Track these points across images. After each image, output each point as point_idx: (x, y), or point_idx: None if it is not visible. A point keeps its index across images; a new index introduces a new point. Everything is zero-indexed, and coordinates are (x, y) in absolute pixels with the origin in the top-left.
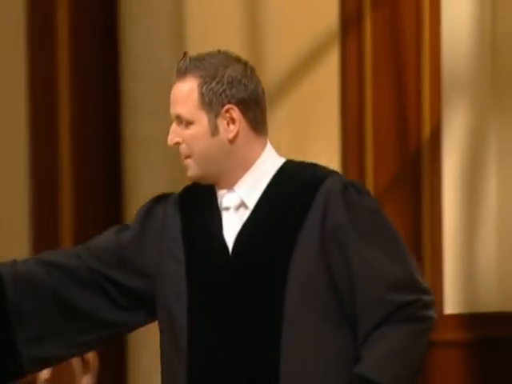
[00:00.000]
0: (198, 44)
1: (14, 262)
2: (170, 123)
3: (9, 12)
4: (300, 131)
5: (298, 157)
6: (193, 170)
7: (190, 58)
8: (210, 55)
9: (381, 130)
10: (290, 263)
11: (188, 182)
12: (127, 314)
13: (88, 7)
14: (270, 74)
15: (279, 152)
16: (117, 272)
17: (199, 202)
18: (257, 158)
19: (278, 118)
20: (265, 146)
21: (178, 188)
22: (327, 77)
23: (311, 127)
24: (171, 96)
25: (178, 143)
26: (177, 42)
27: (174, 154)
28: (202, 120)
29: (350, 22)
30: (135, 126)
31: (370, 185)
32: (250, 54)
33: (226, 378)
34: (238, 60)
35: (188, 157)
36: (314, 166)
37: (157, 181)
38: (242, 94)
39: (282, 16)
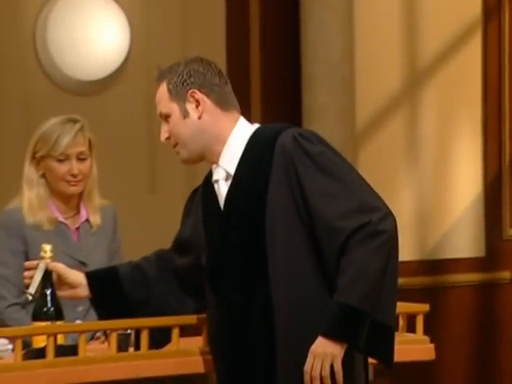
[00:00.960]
0: (366, 32)
1: (129, 261)
2: (340, 95)
3: (211, 9)
4: (447, 107)
5: (445, 129)
6: (182, 154)
7: (161, 70)
8: (175, 63)
9: None
10: (265, 207)
11: None
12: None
13: (275, 3)
14: (423, 57)
15: (429, 125)
16: (191, 258)
17: (208, 182)
18: (229, 131)
19: (428, 95)
20: (236, 120)
21: (348, 146)
22: (471, 59)
23: (457, 103)
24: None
25: (167, 138)
26: (347, 31)
27: (345, 120)
28: (175, 109)
29: (491, 12)
30: (313, 98)
31: (507, 152)
32: (406, 40)
33: (232, 294)
34: (197, 59)
35: (176, 145)
36: (272, 126)
37: (331, 142)
38: (201, 79)
39: (435, 7)
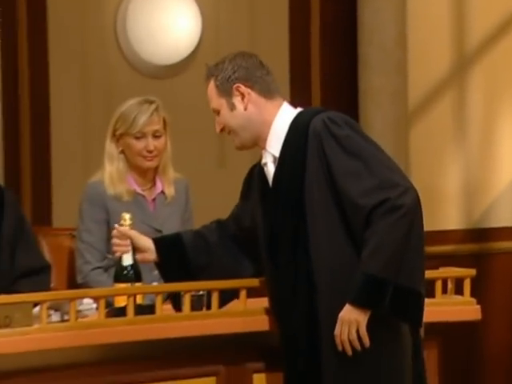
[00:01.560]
0: (417, 19)
1: (191, 230)
2: (394, 78)
3: (275, 0)
4: (492, 89)
5: (490, 109)
6: (235, 142)
7: (208, 68)
8: (220, 60)
9: None
10: (304, 184)
11: None
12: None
13: None
14: (470, 42)
15: (476, 106)
16: (248, 230)
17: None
18: (273, 117)
19: (475, 78)
20: (280, 106)
21: (401, 125)
22: None
23: (502, 85)
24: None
25: (221, 129)
26: (400, 18)
27: (398, 101)
28: (223, 104)
29: None
30: (368, 81)
31: None
32: (455, 27)
33: (282, 263)
34: (240, 54)
35: (229, 133)
36: (309, 110)
37: (385, 121)
38: (245, 74)
39: None
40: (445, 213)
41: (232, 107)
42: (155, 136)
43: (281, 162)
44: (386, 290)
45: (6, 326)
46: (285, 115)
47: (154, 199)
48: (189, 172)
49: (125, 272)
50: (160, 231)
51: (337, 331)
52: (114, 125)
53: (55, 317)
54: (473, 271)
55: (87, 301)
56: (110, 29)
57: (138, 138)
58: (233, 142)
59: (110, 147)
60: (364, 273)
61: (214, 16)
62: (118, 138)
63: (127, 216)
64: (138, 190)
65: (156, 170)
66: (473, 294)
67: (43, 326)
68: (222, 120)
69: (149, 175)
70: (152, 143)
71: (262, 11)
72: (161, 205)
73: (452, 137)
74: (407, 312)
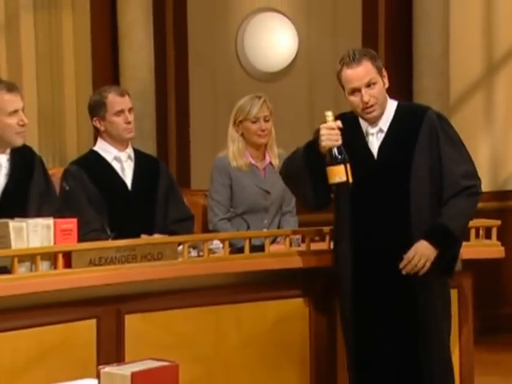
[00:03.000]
0: (457, 37)
1: None
2: (439, 81)
3: (351, 30)
4: None
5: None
6: (376, 111)
7: (358, 52)
8: (362, 49)
9: None
10: (412, 158)
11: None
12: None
13: (396, 19)
14: (497, 54)
15: (501, 100)
16: None
17: (350, 125)
18: (386, 102)
19: (501, 82)
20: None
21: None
22: None
23: None
24: (354, 76)
25: (369, 100)
26: (445, 37)
27: (442, 98)
28: (379, 80)
29: None
30: (420, 83)
31: None
32: (485, 43)
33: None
34: None
35: (375, 104)
36: (413, 103)
37: None
38: None
39: (506, 21)
40: None
41: (384, 84)
42: (265, 120)
43: (388, 134)
44: (453, 243)
45: (159, 259)
46: (391, 101)
47: (264, 168)
48: (288, 149)
49: (340, 157)
50: (269, 193)
51: (410, 255)
52: (234, 115)
53: (193, 253)
54: (498, 222)
55: (216, 242)
56: (232, 47)
57: (253, 122)
58: (370, 113)
59: (232, 131)
60: (445, 225)
61: (306, 38)
62: (238, 125)
63: (329, 113)
64: (253, 162)
65: (266, 146)
66: (498, 239)
67: (185, 259)
68: (376, 92)
69: (261, 150)
70: (264, 125)
71: (342, 36)
72: (269, 173)
73: (482, 125)
74: (452, 265)
